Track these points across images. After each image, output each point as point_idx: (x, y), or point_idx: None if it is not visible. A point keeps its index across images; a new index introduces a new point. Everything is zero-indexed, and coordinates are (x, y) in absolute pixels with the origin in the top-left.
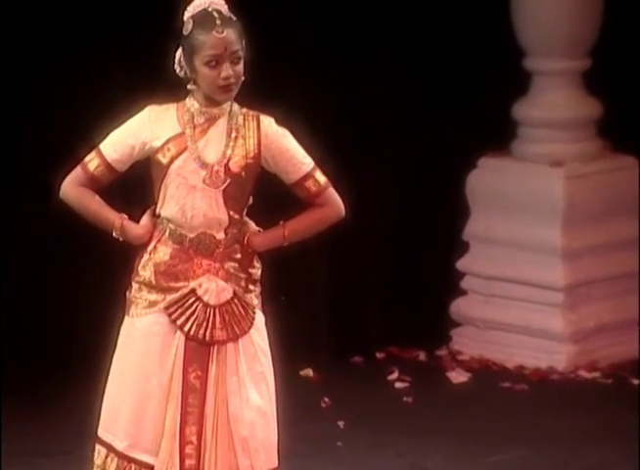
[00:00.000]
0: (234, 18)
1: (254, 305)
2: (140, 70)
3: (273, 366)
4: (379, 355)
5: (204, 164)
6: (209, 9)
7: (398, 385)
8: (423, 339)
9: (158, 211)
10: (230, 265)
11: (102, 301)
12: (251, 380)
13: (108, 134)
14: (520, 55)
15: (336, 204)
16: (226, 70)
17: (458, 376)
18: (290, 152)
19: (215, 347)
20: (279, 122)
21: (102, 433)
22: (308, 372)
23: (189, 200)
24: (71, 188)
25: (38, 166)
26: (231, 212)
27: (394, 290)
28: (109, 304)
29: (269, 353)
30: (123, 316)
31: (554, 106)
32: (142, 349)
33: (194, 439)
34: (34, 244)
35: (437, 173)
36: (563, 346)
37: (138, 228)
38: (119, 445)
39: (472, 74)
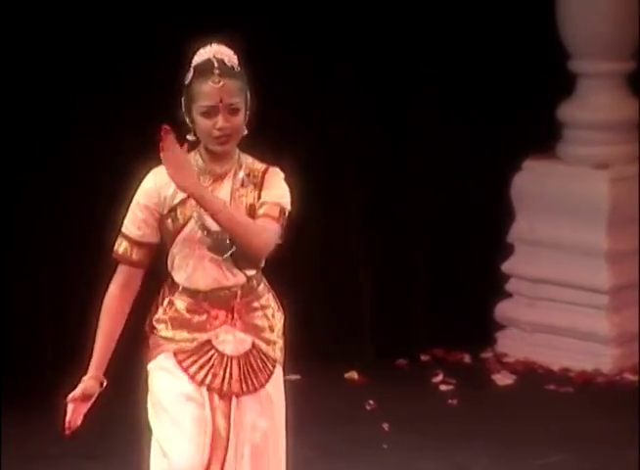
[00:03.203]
0: (237, 68)
1: (275, 357)
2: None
3: (316, 371)
4: (424, 358)
5: (209, 232)
6: (212, 58)
7: (443, 387)
8: (468, 341)
9: (169, 270)
10: (249, 315)
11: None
12: (261, 437)
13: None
14: (565, 57)
15: (269, 231)
16: (221, 121)
17: (503, 378)
18: (274, 190)
19: (234, 398)
20: (286, 173)
21: None
22: (353, 375)
23: (199, 269)
24: (112, 294)
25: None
26: (246, 272)
27: (439, 292)
28: None
29: (284, 409)
30: (146, 377)
31: (599, 108)
32: (173, 387)
33: None
34: (34, 244)
35: (483, 175)
36: (608, 348)
37: (72, 394)
38: None
39: (517, 77)
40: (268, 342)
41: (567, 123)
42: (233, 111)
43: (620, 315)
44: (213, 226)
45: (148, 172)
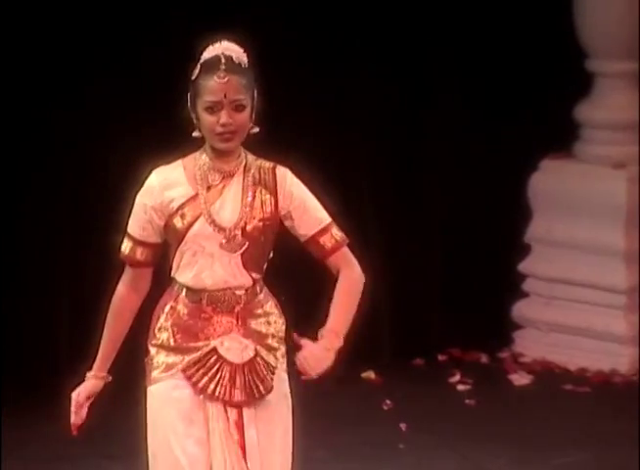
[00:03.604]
0: (245, 65)
1: (275, 365)
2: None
3: (332, 371)
4: (440, 358)
5: (220, 229)
6: (220, 54)
7: (460, 387)
8: (485, 341)
9: (172, 274)
10: (251, 322)
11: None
12: (266, 446)
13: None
14: (582, 57)
15: (353, 263)
16: (224, 116)
17: (520, 378)
18: (304, 205)
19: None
20: (295, 171)
21: None
22: (370, 374)
23: (207, 267)
24: (120, 294)
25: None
26: (252, 274)
27: (456, 292)
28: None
29: (289, 416)
30: (145, 389)
31: (616, 107)
32: (166, 419)
33: None
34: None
35: (500, 175)
36: (625, 348)
37: (77, 392)
38: None
39: (534, 76)
40: (270, 348)
41: (584, 123)
42: (237, 107)
43: (637, 315)
44: (224, 223)
45: (150, 172)
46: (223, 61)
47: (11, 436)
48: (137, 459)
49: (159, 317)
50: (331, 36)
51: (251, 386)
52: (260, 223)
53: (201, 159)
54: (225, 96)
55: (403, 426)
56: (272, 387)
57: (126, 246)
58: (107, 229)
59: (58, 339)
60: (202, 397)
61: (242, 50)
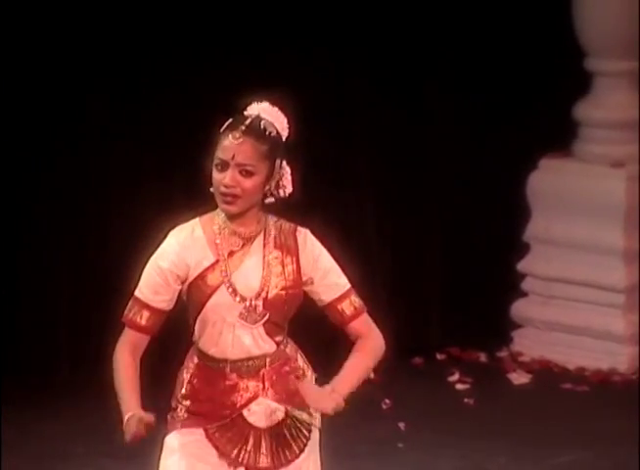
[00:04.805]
0: (272, 133)
1: (311, 421)
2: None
3: (331, 370)
4: (439, 357)
5: (241, 299)
6: (251, 114)
7: (459, 386)
8: (483, 340)
9: (194, 339)
10: (280, 382)
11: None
12: None
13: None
14: (581, 55)
15: (375, 331)
16: (227, 177)
17: (519, 377)
18: (325, 270)
19: None
20: (317, 235)
21: None
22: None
23: (228, 338)
24: (120, 352)
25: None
26: (275, 338)
27: (455, 291)
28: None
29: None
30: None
31: (615, 106)
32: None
33: None
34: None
35: (498, 174)
36: (624, 347)
37: (131, 432)
38: None
39: (533, 75)
40: (302, 405)
41: (583, 122)
42: (245, 172)
43: (636, 314)
44: (246, 293)
45: (167, 233)
46: (247, 122)
47: (11, 435)
48: (137, 458)
49: (182, 384)
50: (335, 24)
51: (278, 450)
52: (283, 292)
53: (219, 219)
54: (233, 157)
55: (402, 425)
56: (303, 447)
57: (131, 309)
58: (107, 229)
59: (58, 339)
60: (226, 462)
61: (281, 117)
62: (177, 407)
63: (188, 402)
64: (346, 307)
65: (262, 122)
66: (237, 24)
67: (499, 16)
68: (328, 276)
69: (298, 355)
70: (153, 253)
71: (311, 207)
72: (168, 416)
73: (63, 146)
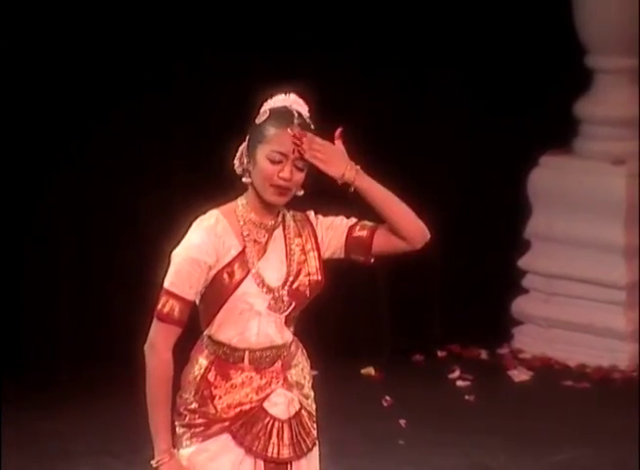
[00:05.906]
0: (312, 126)
1: (313, 413)
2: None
3: (333, 367)
4: (440, 354)
5: (268, 289)
6: (291, 107)
7: (460, 383)
8: (484, 337)
9: (209, 332)
10: (290, 374)
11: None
12: None
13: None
14: (581, 53)
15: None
16: (287, 171)
17: (520, 374)
18: (328, 220)
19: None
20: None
21: None
22: (370, 371)
23: (253, 326)
24: (161, 351)
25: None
26: (291, 328)
27: (456, 288)
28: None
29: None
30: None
31: (616, 103)
32: None
33: None
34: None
35: (499, 171)
36: (625, 344)
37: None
38: None
39: (534, 73)
40: (307, 396)
41: (583, 119)
42: (299, 166)
43: (637, 311)
44: (272, 282)
45: (189, 225)
46: (297, 115)
47: (10, 435)
48: (137, 456)
49: (194, 382)
50: (327, 37)
51: (299, 440)
52: (306, 279)
53: (241, 211)
54: (293, 151)
55: (403, 422)
56: (316, 438)
57: (165, 303)
58: (107, 229)
59: (58, 339)
60: (249, 454)
61: (307, 107)
62: (193, 417)
63: (204, 409)
64: (359, 231)
65: (304, 115)
66: (241, 23)
67: (500, 13)
68: (333, 223)
69: (300, 350)
70: (176, 246)
71: (311, 206)
72: (177, 424)
73: (70, 150)
